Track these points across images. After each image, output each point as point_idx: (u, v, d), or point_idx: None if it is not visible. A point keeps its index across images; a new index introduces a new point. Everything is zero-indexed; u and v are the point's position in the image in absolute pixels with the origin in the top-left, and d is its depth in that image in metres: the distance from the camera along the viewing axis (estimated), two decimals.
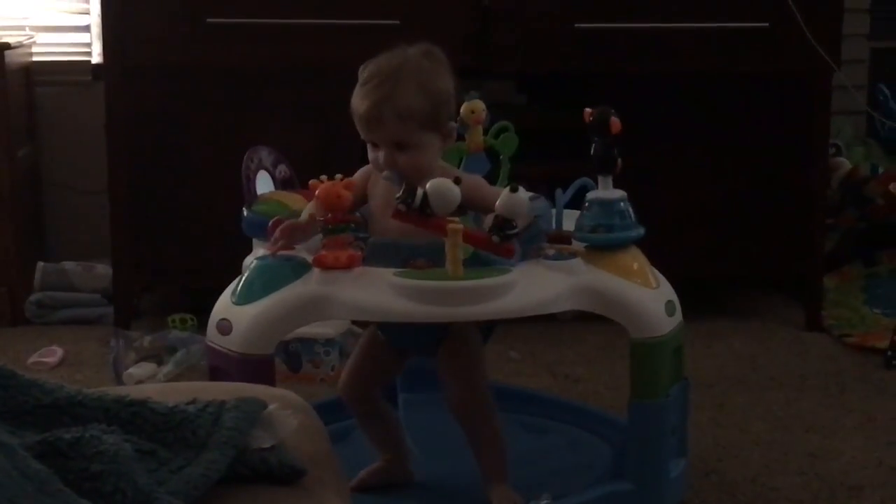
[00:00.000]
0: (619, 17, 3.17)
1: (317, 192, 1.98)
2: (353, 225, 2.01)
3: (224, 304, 2.04)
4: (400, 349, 2.18)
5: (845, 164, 3.79)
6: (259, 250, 2.15)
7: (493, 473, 2.12)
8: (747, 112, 3.33)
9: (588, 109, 2.12)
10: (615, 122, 2.10)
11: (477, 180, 2.12)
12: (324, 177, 1.99)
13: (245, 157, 2.34)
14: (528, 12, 3.17)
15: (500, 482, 2.11)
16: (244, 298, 2.00)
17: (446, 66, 2.08)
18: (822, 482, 2.39)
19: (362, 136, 2.06)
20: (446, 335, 2.09)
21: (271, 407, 1.22)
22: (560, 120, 3.06)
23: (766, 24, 3.18)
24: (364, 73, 2.06)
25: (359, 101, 2.04)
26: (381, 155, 2.03)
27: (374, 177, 2.12)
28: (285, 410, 1.23)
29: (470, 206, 2.04)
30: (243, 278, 2.04)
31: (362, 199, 2.13)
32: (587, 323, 2.91)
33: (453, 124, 2.11)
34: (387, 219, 1.99)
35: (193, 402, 1.20)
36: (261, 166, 2.39)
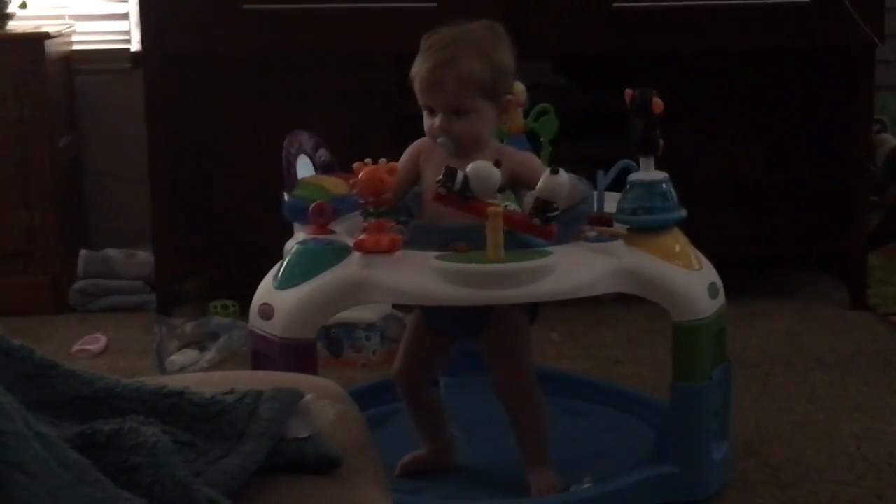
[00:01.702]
0: None
1: (360, 174, 1.98)
2: (393, 209, 2.02)
3: (266, 289, 2.05)
4: (445, 333, 2.17)
5: (890, 140, 3.74)
6: (300, 234, 2.16)
7: (534, 457, 2.12)
8: (789, 89, 3.29)
9: (629, 90, 2.11)
10: (657, 103, 2.08)
11: (528, 157, 2.13)
12: (368, 160, 2.00)
13: (285, 141, 2.34)
14: None
15: (541, 465, 2.11)
16: (286, 283, 2.01)
17: (507, 42, 2.12)
18: (868, 463, 2.36)
19: (420, 102, 2.08)
20: (490, 318, 2.09)
21: (308, 397, 1.22)
22: (599, 100, 3.05)
23: (807, 0, 3.13)
24: (427, 41, 2.09)
25: (420, 66, 2.06)
26: (437, 120, 2.04)
27: (426, 155, 2.12)
28: (322, 400, 1.23)
29: (518, 184, 2.04)
30: (284, 263, 2.05)
31: (412, 178, 2.13)
32: (628, 305, 2.89)
33: (510, 97, 2.13)
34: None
35: (231, 392, 1.20)
36: (301, 151, 2.38)
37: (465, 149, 2.04)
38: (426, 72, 2.04)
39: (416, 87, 2.07)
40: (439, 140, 2.05)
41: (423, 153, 2.14)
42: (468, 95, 2.04)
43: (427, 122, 2.08)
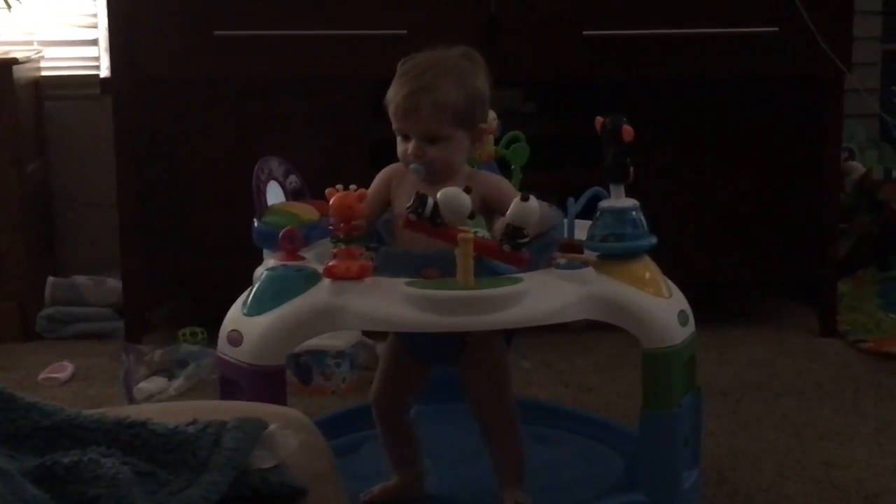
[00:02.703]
0: (627, 24, 3.15)
1: (330, 201, 1.98)
2: (363, 235, 2.01)
3: (235, 315, 2.04)
4: (423, 359, 2.16)
5: (858, 167, 3.77)
6: (269, 261, 2.14)
7: (510, 478, 2.11)
8: (758, 117, 3.31)
9: (599, 118, 2.11)
10: (628, 130, 2.08)
11: (499, 181, 2.12)
12: (339, 186, 1.99)
13: (255, 167, 2.33)
14: (535, 20, 3.16)
15: (516, 486, 2.10)
16: (255, 309, 1.99)
17: (484, 70, 2.12)
18: (838, 490, 2.36)
19: (394, 127, 2.07)
20: (466, 343, 2.08)
21: (272, 426, 1.21)
22: (570, 128, 3.06)
23: (776, 29, 3.15)
24: (403, 66, 2.09)
25: (396, 91, 2.06)
26: (411, 146, 2.04)
27: (397, 181, 2.12)
28: (286, 429, 1.21)
29: (489, 208, 2.04)
30: (254, 289, 2.03)
31: (383, 204, 2.12)
32: (599, 332, 2.89)
33: (484, 126, 2.13)
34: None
35: (194, 422, 1.19)
36: (271, 177, 2.37)
37: (438, 175, 2.04)
38: (402, 98, 2.03)
39: (391, 111, 2.07)
40: (412, 167, 2.05)
41: (395, 179, 2.13)
42: (443, 123, 2.03)
43: (401, 147, 2.08)
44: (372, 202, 2.07)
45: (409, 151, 2.05)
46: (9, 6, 3.59)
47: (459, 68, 2.07)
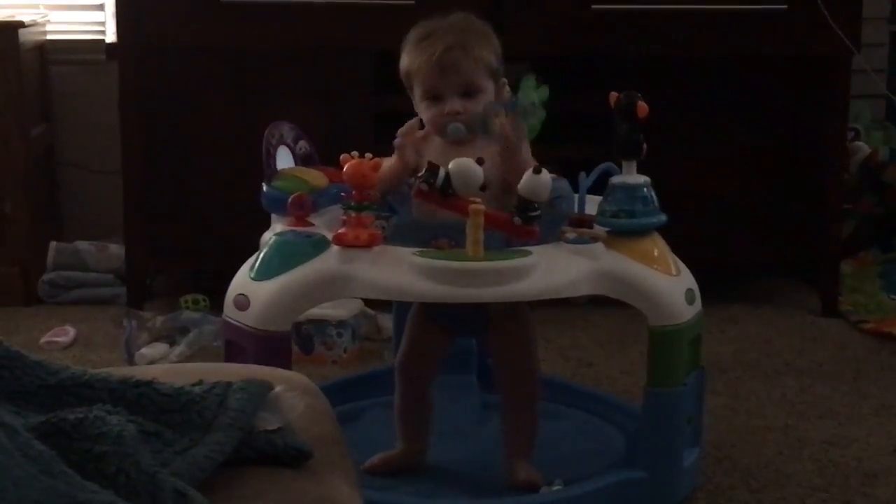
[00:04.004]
0: None
1: (344, 168, 1.97)
2: (375, 204, 2.00)
3: (242, 280, 2.04)
4: (448, 328, 2.16)
5: (864, 148, 3.75)
6: (278, 226, 2.14)
7: (520, 450, 2.11)
8: (764, 96, 3.30)
9: (614, 93, 2.10)
10: (642, 107, 2.08)
11: (520, 146, 2.09)
12: (354, 153, 1.98)
13: (266, 131, 2.31)
14: None
15: (524, 458, 2.11)
16: (262, 274, 1.99)
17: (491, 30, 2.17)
18: (837, 469, 2.37)
19: (424, 88, 2.07)
20: (491, 315, 2.09)
21: (278, 389, 1.21)
22: (577, 103, 3.04)
23: (784, 7, 3.14)
24: (419, 31, 2.10)
25: (423, 53, 2.07)
26: (447, 105, 2.04)
27: (423, 149, 2.09)
28: (292, 392, 1.22)
29: (503, 170, 2.03)
30: (261, 254, 2.03)
31: (399, 174, 2.11)
32: (601, 307, 2.89)
33: (504, 80, 2.16)
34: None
35: (199, 383, 1.19)
36: (282, 141, 2.36)
37: (475, 132, 2.05)
38: (439, 55, 2.05)
39: (422, 75, 2.06)
40: (451, 127, 2.05)
41: (421, 149, 2.10)
42: (482, 73, 2.07)
43: (431, 111, 2.07)
44: (392, 172, 2.06)
45: (447, 110, 2.05)
46: None
47: (480, 27, 2.13)
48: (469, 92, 2.06)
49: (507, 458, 2.12)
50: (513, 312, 2.09)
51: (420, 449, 2.19)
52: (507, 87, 2.30)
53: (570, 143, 3.08)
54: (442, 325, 2.15)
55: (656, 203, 2.10)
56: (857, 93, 3.48)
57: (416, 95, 2.11)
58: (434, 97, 2.07)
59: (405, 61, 2.09)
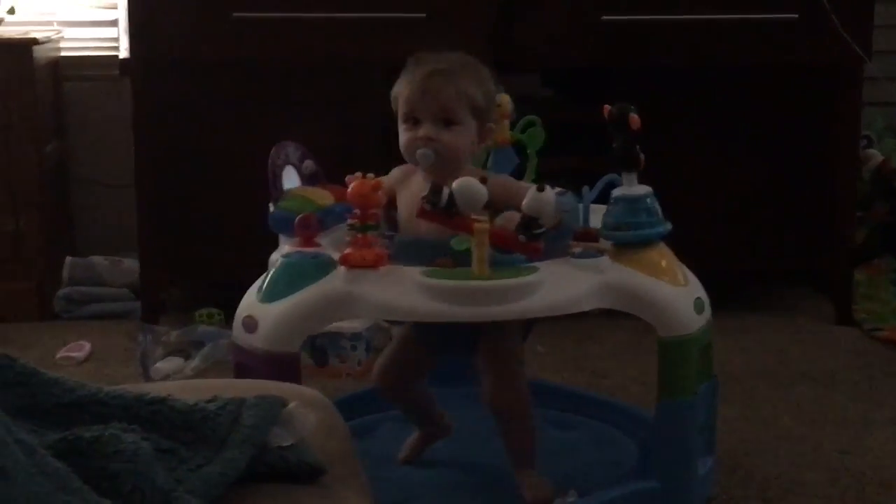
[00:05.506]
0: (645, 10, 3.14)
1: (349, 188, 1.98)
2: (377, 224, 2.01)
3: (249, 302, 2.04)
4: (433, 349, 2.18)
5: (876, 156, 3.75)
6: (285, 247, 2.15)
7: (522, 461, 2.12)
8: (777, 105, 3.30)
9: (606, 106, 2.10)
10: (634, 119, 2.07)
11: (504, 179, 2.12)
12: (358, 173, 1.99)
13: (272, 152, 2.33)
14: (553, 4, 3.15)
15: (529, 468, 2.12)
16: (269, 296, 1.99)
17: (490, 76, 2.13)
18: (852, 478, 2.37)
19: (403, 113, 2.06)
20: (480, 335, 2.08)
21: (291, 405, 1.21)
22: (586, 114, 3.05)
23: (796, 16, 3.14)
24: (415, 60, 2.09)
25: (410, 78, 2.06)
26: (421, 129, 2.03)
27: (402, 175, 2.13)
28: (305, 408, 1.22)
29: (498, 206, 2.03)
30: (269, 275, 2.04)
31: (388, 197, 2.13)
32: (614, 318, 2.88)
33: (492, 126, 2.13)
34: (415, 218, 1.99)
35: (213, 399, 1.20)
36: (287, 162, 2.38)
37: (445, 164, 2.03)
38: (421, 78, 2.03)
39: (404, 98, 2.05)
40: (419, 152, 2.03)
41: (404, 178, 2.14)
42: (461, 105, 2.03)
43: (407, 134, 2.06)
44: (386, 193, 2.09)
45: (419, 135, 2.03)
46: None
47: (476, 66, 2.10)
48: (447, 120, 2.03)
49: (515, 471, 2.13)
50: (500, 332, 2.09)
51: (437, 426, 2.27)
52: (511, 104, 2.30)
53: (581, 154, 3.08)
54: (426, 346, 2.17)
55: (660, 213, 2.10)
56: (869, 100, 3.48)
57: (399, 119, 2.11)
58: (412, 121, 2.06)
59: (395, 87, 2.09)
